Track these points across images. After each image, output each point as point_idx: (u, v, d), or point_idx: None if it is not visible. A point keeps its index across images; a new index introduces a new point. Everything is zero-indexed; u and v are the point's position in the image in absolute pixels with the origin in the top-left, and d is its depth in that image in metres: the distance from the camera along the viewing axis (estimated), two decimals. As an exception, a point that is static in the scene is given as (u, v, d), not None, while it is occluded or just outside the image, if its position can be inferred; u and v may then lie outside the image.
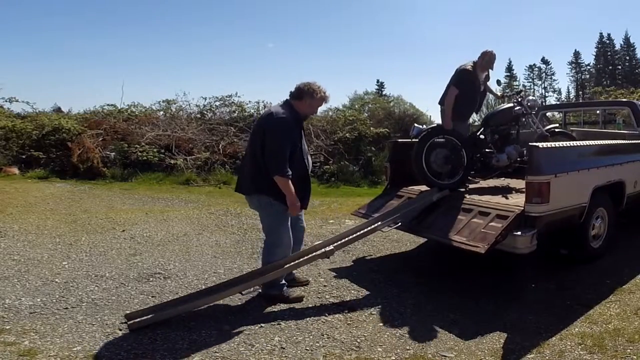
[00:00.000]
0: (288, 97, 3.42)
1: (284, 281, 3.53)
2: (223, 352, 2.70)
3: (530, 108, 4.73)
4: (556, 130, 4.99)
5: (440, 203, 4.12)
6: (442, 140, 4.46)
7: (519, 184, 4.44)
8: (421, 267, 4.46)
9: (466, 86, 4.69)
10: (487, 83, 5.22)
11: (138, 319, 2.99)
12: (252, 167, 3.35)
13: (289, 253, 3.48)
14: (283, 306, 3.38)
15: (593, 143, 4.28)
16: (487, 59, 4.83)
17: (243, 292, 3.40)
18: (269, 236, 3.47)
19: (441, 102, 5.00)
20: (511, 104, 4.78)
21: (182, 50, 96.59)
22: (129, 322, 2.97)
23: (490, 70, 5.04)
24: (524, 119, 4.82)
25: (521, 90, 5.14)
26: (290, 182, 3.21)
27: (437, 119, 5.23)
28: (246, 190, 3.44)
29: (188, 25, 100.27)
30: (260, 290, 3.53)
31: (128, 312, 3.12)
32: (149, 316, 3.02)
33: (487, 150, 4.71)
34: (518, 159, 4.60)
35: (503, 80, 59.24)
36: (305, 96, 3.36)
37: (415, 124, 4.63)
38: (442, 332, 2.97)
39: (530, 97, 4.90)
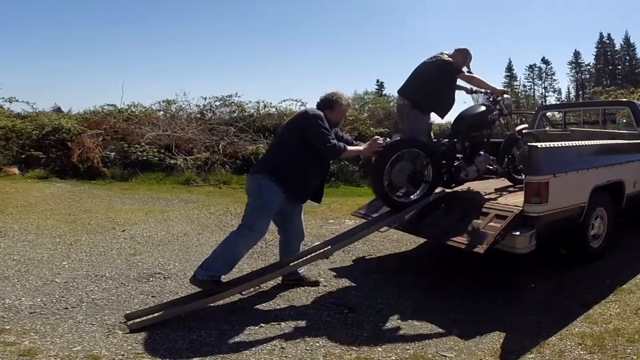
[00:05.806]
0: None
1: None
2: (223, 352, 2.70)
3: (507, 108, 4.23)
4: (524, 131, 4.72)
5: (440, 203, 4.11)
6: (405, 152, 3.78)
7: (519, 184, 4.43)
8: (421, 267, 4.46)
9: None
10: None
11: (138, 319, 2.99)
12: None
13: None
14: (283, 306, 3.39)
15: (592, 143, 4.28)
16: (464, 53, 4.36)
17: (243, 293, 3.39)
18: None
19: (407, 94, 4.19)
20: (484, 107, 4.18)
21: (182, 50, 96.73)
22: (128, 322, 2.98)
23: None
24: (500, 120, 4.31)
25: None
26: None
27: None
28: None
29: (188, 25, 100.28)
30: (259, 289, 3.53)
31: (128, 312, 3.12)
32: (149, 316, 3.02)
33: (455, 162, 4.06)
34: (487, 167, 4.15)
35: (503, 81, 59.36)
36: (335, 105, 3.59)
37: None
38: (442, 332, 2.97)
39: (506, 96, 4.28)
